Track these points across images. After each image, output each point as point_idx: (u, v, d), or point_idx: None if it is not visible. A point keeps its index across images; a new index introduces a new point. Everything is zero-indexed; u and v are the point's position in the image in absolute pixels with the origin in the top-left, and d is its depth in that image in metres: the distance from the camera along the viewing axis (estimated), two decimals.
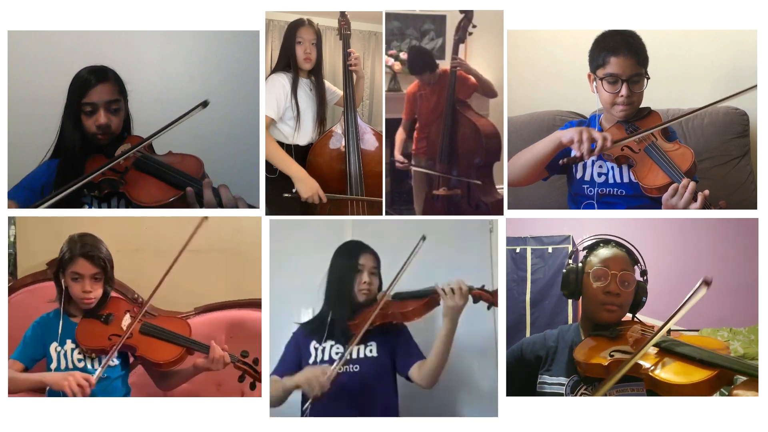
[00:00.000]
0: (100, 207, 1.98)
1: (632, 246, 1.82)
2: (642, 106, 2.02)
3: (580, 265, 1.81)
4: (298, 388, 1.84)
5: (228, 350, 1.90)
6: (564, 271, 1.82)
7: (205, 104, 1.88)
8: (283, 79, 2.30)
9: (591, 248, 1.83)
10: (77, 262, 1.87)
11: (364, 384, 1.91)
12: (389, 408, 1.94)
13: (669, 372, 1.60)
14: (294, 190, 2.27)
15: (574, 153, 1.93)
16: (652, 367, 1.62)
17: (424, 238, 1.91)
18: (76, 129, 1.96)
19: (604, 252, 1.79)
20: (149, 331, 1.91)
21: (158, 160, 1.95)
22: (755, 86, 1.97)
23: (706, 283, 1.54)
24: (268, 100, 2.23)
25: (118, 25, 2.05)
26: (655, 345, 1.68)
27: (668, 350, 1.66)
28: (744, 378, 1.60)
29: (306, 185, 2.26)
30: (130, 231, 2.33)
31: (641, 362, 1.63)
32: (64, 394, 1.77)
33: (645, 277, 1.81)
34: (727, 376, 1.59)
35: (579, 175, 2.04)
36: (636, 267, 1.80)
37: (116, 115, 1.98)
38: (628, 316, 1.81)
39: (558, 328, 1.88)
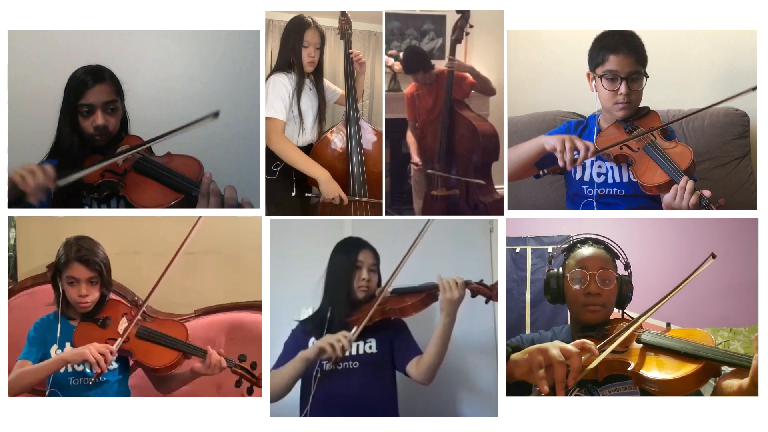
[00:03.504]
0: (99, 208, 1.97)
1: (610, 241, 1.80)
2: (641, 105, 2.02)
3: (559, 269, 1.80)
4: (322, 352, 1.83)
5: (225, 354, 1.90)
6: (544, 277, 1.81)
7: (216, 115, 1.87)
8: (285, 80, 2.29)
9: (568, 250, 1.82)
10: (72, 266, 1.86)
11: (363, 380, 1.91)
12: (388, 405, 1.94)
13: (655, 368, 1.58)
14: (308, 194, 2.29)
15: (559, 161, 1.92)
16: (638, 366, 1.60)
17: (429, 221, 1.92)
18: (73, 130, 1.95)
19: (580, 252, 1.78)
20: (145, 335, 1.90)
21: (157, 163, 1.95)
22: (755, 88, 1.96)
23: (713, 256, 1.61)
24: (275, 102, 2.22)
25: (119, 26, 2.05)
26: (638, 341, 1.66)
27: (653, 345, 1.64)
28: (730, 369, 1.59)
29: (331, 187, 2.25)
30: (130, 233, 2.33)
31: (627, 360, 1.61)
32: (71, 391, 1.82)
33: (629, 270, 1.79)
34: (712, 367, 1.57)
35: (578, 176, 2.04)
36: (618, 262, 1.79)
37: (113, 116, 1.97)
38: (618, 313, 1.80)
39: (551, 330, 1.87)
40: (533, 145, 1.99)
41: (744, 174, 2.36)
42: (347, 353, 1.84)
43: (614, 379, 1.66)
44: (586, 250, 1.78)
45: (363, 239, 2.06)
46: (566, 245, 1.84)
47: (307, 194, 2.28)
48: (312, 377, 1.89)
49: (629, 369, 1.60)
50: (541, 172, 1.97)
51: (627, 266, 1.79)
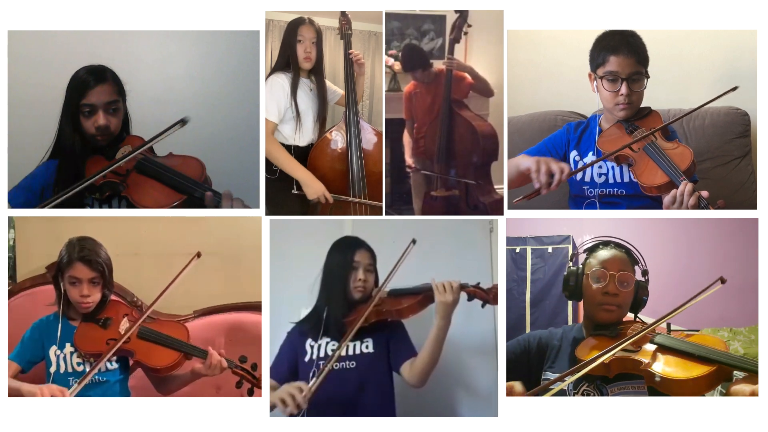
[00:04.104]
0: (101, 208, 1.97)
1: (632, 246, 1.83)
2: (643, 106, 2.02)
3: (580, 267, 1.82)
4: (273, 407, 1.78)
5: (225, 355, 1.90)
6: (564, 273, 1.84)
7: (183, 122, 1.87)
8: (282, 80, 2.29)
9: (591, 250, 1.84)
10: (75, 266, 1.86)
11: (360, 380, 1.91)
12: (386, 405, 1.93)
13: (667, 368, 1.62)
14: (294, 191, 2.28)
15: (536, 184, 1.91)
16: (651, 364, 1.63)
17: (414, 241, 1.91)
18: (75, 130, 1.95)
19: (603, 253, 1.81)
20: (147, 335, 1.90)
21: (160, 163, 1.94)
22: (735, 88, 1.95)
23: (722, 281, 1.67)
24: (269, 103, 2.22)
25: (119, 25, 2.05)
26: (653, 342, 1.69)
27: (666, 347, 1.67)
28: (742, 374, 1.62)
29: (312, 188, 2.27)
30: (130, 234, 2.32)
31: (641, 359, 1.64)
32: None
33: (646, 277, 1.81)
34: (725, 372, 1.61)
35: (579, 177, 2.04)
36: (636, 267, 1.81)
37: (115, 116, 1.97)
38: (630, 316, 1.82)
39: (561, 327, 1.89)
40: (513, 164, 2.00)
41: (744, 173, 2.36)
42: (304, 407, 1.72)
43: (625, 377, 1.69)
44: (608, 252, 1.80)
45: (360, 239, 2.04)
46: (590, 245, 1.86)
47: (293, 191, 2.28)
48: (309, 378, 1.89)
49: (641, 367, 1.63)
50: (514, 201, 1.97)
51: (645, 273, 1.82)
